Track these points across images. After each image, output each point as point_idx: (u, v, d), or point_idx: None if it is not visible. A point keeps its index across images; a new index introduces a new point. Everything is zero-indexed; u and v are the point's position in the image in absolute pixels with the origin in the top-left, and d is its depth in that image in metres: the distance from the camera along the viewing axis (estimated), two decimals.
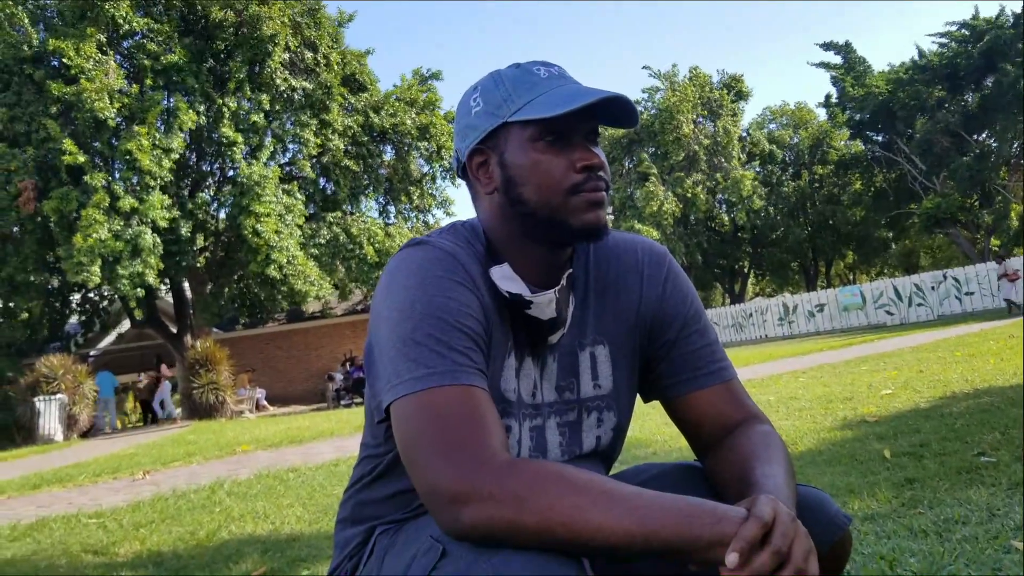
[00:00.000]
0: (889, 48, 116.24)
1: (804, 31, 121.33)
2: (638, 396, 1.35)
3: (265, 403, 23.45)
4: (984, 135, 34.37)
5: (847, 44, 37.25)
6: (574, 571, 0.91)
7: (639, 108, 32.18)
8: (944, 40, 33.74)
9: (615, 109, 1.14)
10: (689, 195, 36.52)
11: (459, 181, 1.40)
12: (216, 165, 21.02)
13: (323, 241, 21.40)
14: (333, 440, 9.47)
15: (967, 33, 32.50)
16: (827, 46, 37.72)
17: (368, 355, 1.18)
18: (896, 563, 2.31)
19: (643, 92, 39.98)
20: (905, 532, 2.61)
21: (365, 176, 23.05)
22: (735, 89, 40.67)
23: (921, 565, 2.26)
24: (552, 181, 1.13)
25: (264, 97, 19.63)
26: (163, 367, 22.05)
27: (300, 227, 20.32)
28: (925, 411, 5.27)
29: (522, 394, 1.21)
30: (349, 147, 22.13)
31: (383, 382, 1.08)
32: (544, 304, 1.17)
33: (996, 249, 34.00)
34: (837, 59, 37.57)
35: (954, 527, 2.58)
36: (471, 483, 0.94)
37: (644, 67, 45.35)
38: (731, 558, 0.85)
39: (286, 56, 20.16)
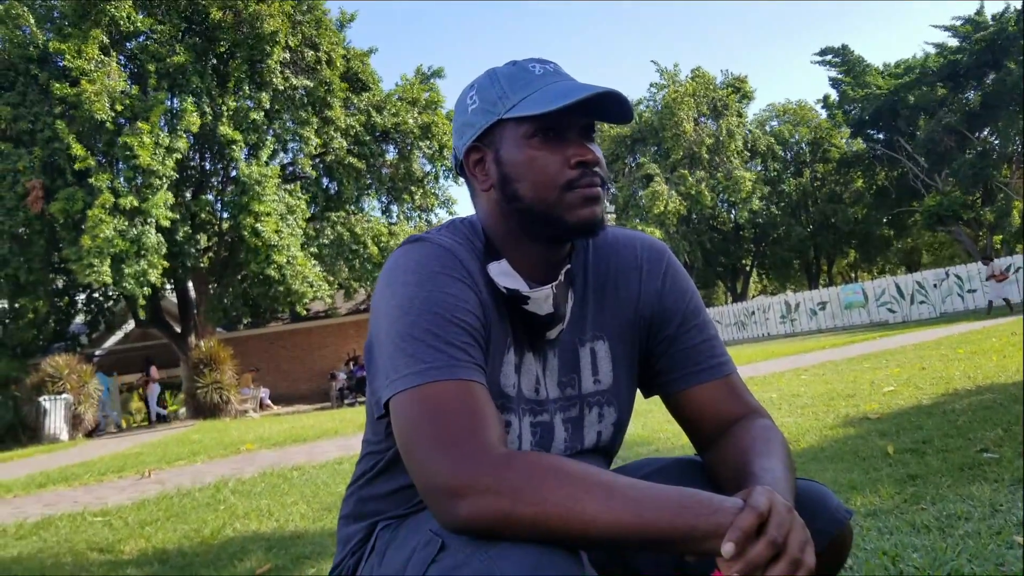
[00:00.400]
0: (892, 43, 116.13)
1: (807, 28, 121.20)
2: (638, 391, 1.35)
3: (269, 402, 23.50)
4: (986, 132, 34.36)
5: (844, 47, 37.35)
6: (571, 563, 0.92)
7: (644, 105, 32.21)
8: (948, 34, 33.73)
9: (609, 105, 1.15)
10: (693, 192, 36.51)
11: (461, 180, 1.40)
12: (220, 165, 21.06)
13: (327, 241, 21.43)
14: (337, 439, 9.48)
15: (971, 28, 32.45)
16: (824, 52, 37.88)
17: (368, 352, 1.19)
18: (898, 559, 2.31)
19: (651, 87, 40.14)
20: (907, 528, 2.61)
21: (368, 176, 23.06)
22: (739, 90, 40.69)
23: (924, 561, 2.26)
24: (547, 177, 1.14)
25: (264, 95, 19.64)
26: (152, 369, 22.03)
27: (303, 227, 20.33)
28: (927, 408, 5.26)
29: (523, 389, 1.21)
30: (352, 147, 22.15)
31: (382, 378, 1.09)
32: (541, 299, 1.18)
33: (998, 246, 33.99)
34: (836, 61, 37.74)
35: (957, 523, 2.58)
36: (468, 476, 0.95)
37: (652, 61, 45.50)
38: (727, 548, 0.86)
39: (286, 55, 20.18)
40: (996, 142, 33.86)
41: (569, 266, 1.24)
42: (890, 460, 3.74)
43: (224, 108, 19.00)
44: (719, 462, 1.18)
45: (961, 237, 34.29)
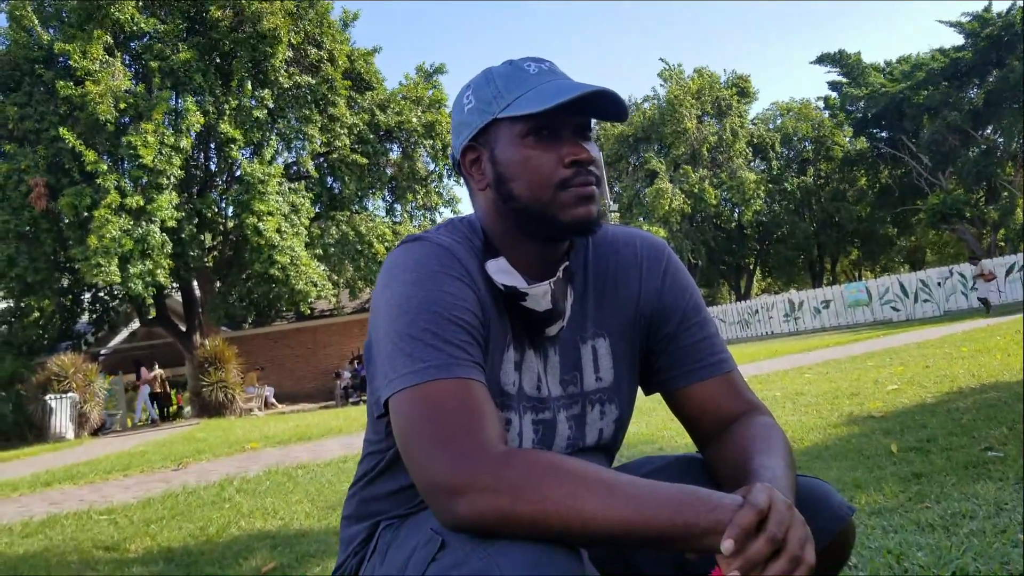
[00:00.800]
0: (893, 43, 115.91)
1: (809, 27, 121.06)
2: (639, 389, 1.35)
3: (274, 401, 23.54)
4: (989, 130, 34.30)
5: (841, 52, 37.50)
6: (571, 561, 0.92)
7: (648, 103, 32.18)
8: (954, 30, 33.71)
9: (604, 103, 1.15)
10: (696, 190, 36.50)
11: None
12: (224, 164, 21.09)
13: (332, 240, 21.45)
14: (341, 437, 9.50)
15: (978, 24, 32.37)
16: (822, 59, 38.05)
17: (368, 351, 1.19)
18: (903, 557, 2.31)
19: (657, 76, 40.35)
20: (912, 526, 2.61)
21: (371, 175, 23.08)
22: (743, 90, 40.72)
23: (928, 559, 2.26)
24: (541, 176, 1.14)
25: (267, 93, 19.67)
26: (143, 370, 22.04)
27: (307, 227, 20.34)
28: (931, 406, 5.25)
29: (524, 387, 1.22)
30: (355, 145, 22.18)
31: (381, 377, 1.09)
32: (539, 296, 1.18)
33: (1002, 244, 33.94)
34: (834, 65, 37.99)
35: (961, 521, 2.58)
36: (467, 474, 0.95)
37: (660, 59, 45.77)
38: (726, 545, 0.86)
39: (290, 53, 20.20)
40: (1000, 140, 33.80)
41: (567, 263, 1.24)
42: (894, 458, 3.74)
43: (227, 106, 19.04)
44: (720, 459, 1.18)
45: (965, 235, 34.24)
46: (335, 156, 21.97)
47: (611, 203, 31.74)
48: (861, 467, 3.65)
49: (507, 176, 1.17)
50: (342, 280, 22.52)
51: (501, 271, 1.19)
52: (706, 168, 37.97)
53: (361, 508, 1.29)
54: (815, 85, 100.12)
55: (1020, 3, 30.97)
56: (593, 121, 1.20)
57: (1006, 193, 33.41)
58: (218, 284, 22.10)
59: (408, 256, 1.15)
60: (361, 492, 1.30)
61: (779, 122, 42.88)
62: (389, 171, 23.77)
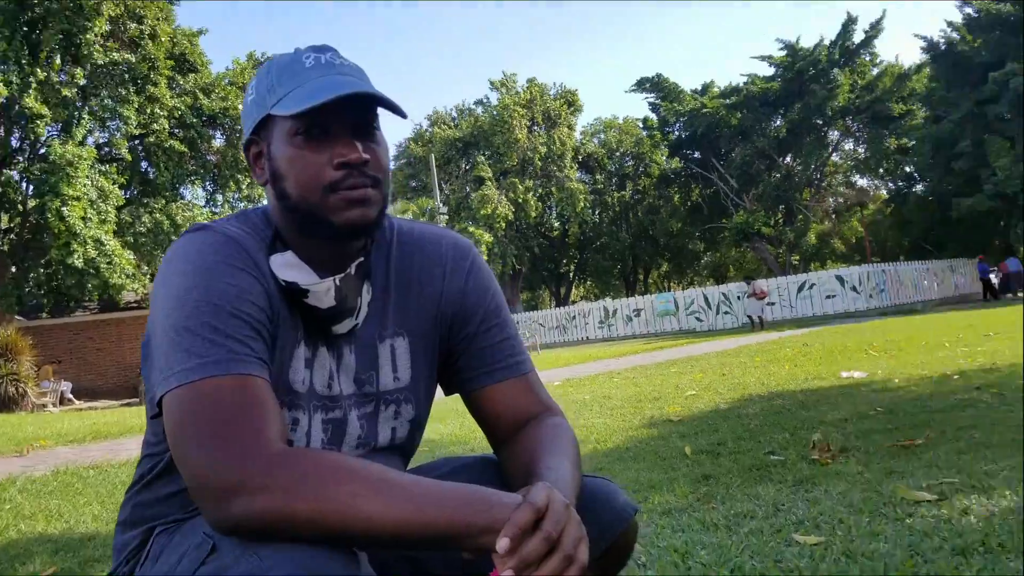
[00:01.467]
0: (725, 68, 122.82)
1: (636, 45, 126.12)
2: (439, 389, 1.34)
3: (71, 396, 22.03)
4: (790, 158, 37.11)
5: (658, 76, 39.52)
6: (345, 562, 0.89)
7: (481, 109, 32.50)
8: (766, 63, 36.22)
9: (383, 100, 1.11)
10: (521, 200, 37.27)
11: None
12: (27, 140, 19.53)
13: (143, 229, 20.35)
14: (141, 436, 8.96)
15: (787, 58, 34.89)
16: (641, 83, 39.96)
17: (145, 347, 1.12)
18: (688, 555, 2.41)
19: (489, 85, 41.13)
20: (698, 526, 2.73)
21: (192, 161, 22.09)
22: (571, 103, 41.99)
23: (710, 558, 2.37)
24: (308, 178, 1.09)
25: (79, 71, 18.40)
26: None
27: (117, 213, 19.19)
28: (724, 412, 5.60)
29: (315, 385, 1.17)
30: (175, 130, 21.13)
31: (156, 374, 1.02)
32: (322, 293, 1.13)
33: (796, 263, 36.70)
34: (651, 89, 39.99)
35: (743, 521, 2.72)
36: (240, 474, 0.90)
37: (503, 72, 46.83)
38: (501, 543, 0.85)
39: (108, 27, 18.99)
40: (798, 167, 36.62)
41: (362, 260, 1.19)
42: (688, 460, 3.94)
43: (33, 79, 17.64)
44: (510, 460, 1.18)
45: (764, 253, 36.74)
46: (152, 140, 20.84)
47: (440, 204, 31.86)
48: (657, 468, 3.81)
49: (280, 174, 1.12)
50: (152, 271, 21.42)
51: (286, 265, 1.13)
52: (533, 179, 38.83)
53: (136, 513, 1.21)
54: (637, 105, 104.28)
55: (828, 38, 33.75)
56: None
57: (801, 216, 36.23)
58: (13, 269, 20.44)
59: (190, 246, 1.09)
60: (137, 496, 1.22)
61: (603, 136, 44.50)
62: (211, 159, 22.83)
